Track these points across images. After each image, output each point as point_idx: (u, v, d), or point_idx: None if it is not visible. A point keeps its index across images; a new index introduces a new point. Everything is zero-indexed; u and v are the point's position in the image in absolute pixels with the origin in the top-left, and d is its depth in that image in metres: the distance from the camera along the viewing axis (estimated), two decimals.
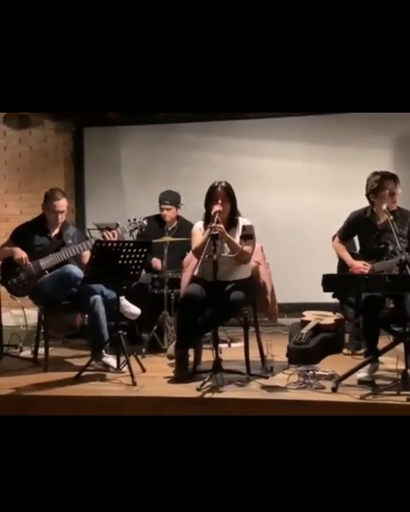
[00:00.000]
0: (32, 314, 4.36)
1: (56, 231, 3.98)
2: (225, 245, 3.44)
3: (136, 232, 3.93)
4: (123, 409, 3.06)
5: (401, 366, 3.08)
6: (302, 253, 5.25)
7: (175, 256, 4.30)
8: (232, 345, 4.43)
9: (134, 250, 3.47)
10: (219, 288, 3.38)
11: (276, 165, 5.56)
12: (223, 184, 3.51)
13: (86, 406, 3.09)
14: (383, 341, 3.35)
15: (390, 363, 3.36)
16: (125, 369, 3.43)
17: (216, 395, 3.08)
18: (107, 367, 3.64)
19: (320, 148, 5.46)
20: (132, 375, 3.32)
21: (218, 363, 3.23)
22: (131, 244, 3.50)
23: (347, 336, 4.21)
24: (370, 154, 5.24)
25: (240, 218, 3.57)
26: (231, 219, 3.55)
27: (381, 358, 3.37)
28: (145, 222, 3.92)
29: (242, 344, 3.63)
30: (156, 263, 4.51)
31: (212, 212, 3.42)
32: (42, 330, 3.91)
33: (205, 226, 3.49)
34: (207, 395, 3.07)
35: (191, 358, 3.54)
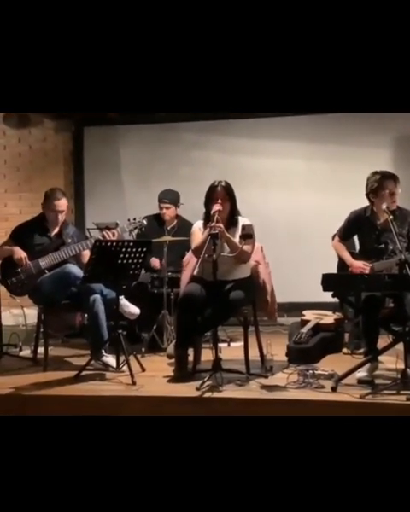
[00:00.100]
0: (31, 313, 4.36)
1: (56, 231, 3.98)
2: (225, 244, 3.43)
3: (135, 232, 3.93)
4: (122, 408, 3.06)
5: (401, 365, 3.08)
6: (302, 253, 5.25)
7: (175, 255, 4.30)
8: (232, 344, 4.43)
9: (134, 249, 3.47)
10: (219, 288, 3.38)
11: (276, 165, 5.56)
12: (223, 184, 3.51)
13: (86, 405, 3.09)
14: (382, 341, 3.35)
15: (390, 362, 3.36)
16: (125, 368, 3.43)
17: (216, 394, 3.07)
18: (106, 366, 3.64)
19: (320, 147, 5.46)
20: (132, 375, 3.32)
21: (217, 362, 3.23)
22: (131, 243, 3.49)
23: (346, 336, 4.21)
24: (370, 154, 5.24)
25: (240, 218, 3.57)
26: (231, 219, 3.55)
27: (380, 358, 3.37)
28: (145, 221, 3.92)
29: (241, 343, 3.63)
30: (155, 262, 4.51)
31: (211, 212, 3.42)
32: (41, 330, 3.90)
33: (205, 225, 3.49)
34: (207, 394, 3.07)
35: (191, 358, 3.54)
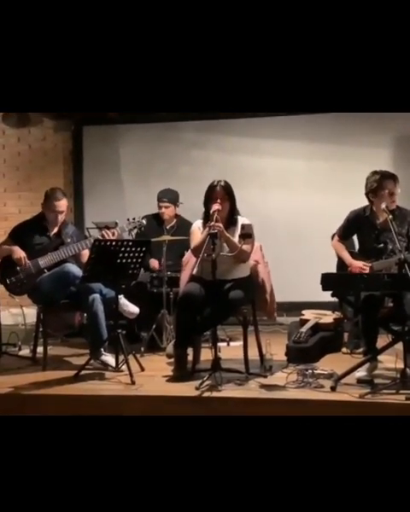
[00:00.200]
0: (30, 313, 4.36)
1: (55, 230, 3.98)
2: (224, 244, 3.43)
3: (135, 231, 3.93)
4: (122, 408, 3.06)
5: (400, 365, 3.08)
6: (302, 252, 5.25)
7: (174, 255, 4.30)
8: (231, 344, 4.43)
9: (133, 249, 3.47)
10: (218, 287, 3.37)
11: (276, 164, 5.55)
12: (222, 183, 3.50)
13: (85, 405, 3.09)
14: (381, 340, 3.35)
15: (389, 361, 3.36)
16: (124, 367, 3.43)
17: (215, 394, 3.07)
18: (105, 366, 3.64)
19: (320, 146, 5.46)
20: (131, 374, 3.32)
21: (217, 361, 3.23)
22: (130, 243, 3.49)
23: (346, 335, 4.21)
24: (370, 154, 5.23)
25: (239, 217, 3.57)
26: (230, 218, 3.54)
27: (380, 357, 3.38)
28: (144, 221, 3.92)
29: (241, 343, 3.63)
30: (154, 263, 4.51)
31: (211, 211, 3.42)
32: (41, 329, 3.90)
33: (204, 225, 3.49)
34: (206, 394, 3.07)
35: (190, 357, 3.54)
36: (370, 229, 3.63)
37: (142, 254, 3.51)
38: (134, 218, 3.90)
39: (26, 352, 4.18)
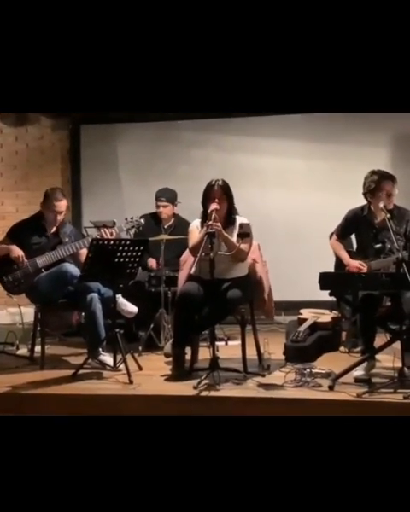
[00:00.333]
0: (28, 312, 4.35)
1: (53, 229, 3.97)
2: (222, 243, 3.43)
3: (133, 231, 3.93)
4: (119, 407, 3.06)
5: (398, 364, 3.08)
6: (300, 251, 5.25)
7: (172, 254, 4.30)
8: (229, 343, 4.43)
9: (131, 248, 3.47)
10: (216, 286, 3.37)
11: (274, 163, 5.55)
12: (219, 183, 3.50)
13: (83, 404, 3.09)
14: (379, 339, 3.35)
15: (387, 361, 3.36)
16: (122, 367, 3.42)
17: (213, 393, 3.08)
18: (103, 365, 3.63)
19: (319, 146, 5.46)
20: (129, 374, 3.32)
21: (215, 361, 3.23)
22: (128, 242, 3.49)
23: (344, 334, 4.21)
24: (368, 153, 5.23)
25: (237, 217, 3.56)
26: (228, 217, 3.54)
27: (378, 356, 3.38)
28: (142, 221, 3.92)
29: (239, 342, 3.63)
30: (151, 263, 4.51)
31: (209, 211, 3.41)
32: (38, 328, 3.90)
33: (202, 224, 3.49)
34: (204, 393, 3.07)
35: (188, 356, 3.54)
36: (368, 228, 3.63)
37: (140, 253, 3.51)
38: (132, 218, 3.89)
39: (23, 351, 4.18)
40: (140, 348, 4.11)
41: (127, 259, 3.48)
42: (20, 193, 5.68)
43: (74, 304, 3.84)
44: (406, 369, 3.05)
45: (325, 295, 3.32)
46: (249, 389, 3.17)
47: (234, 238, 3.43)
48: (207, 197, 3.50)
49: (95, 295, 3.67)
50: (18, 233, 3.93)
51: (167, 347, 3.73)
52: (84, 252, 3.70)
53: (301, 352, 3.74)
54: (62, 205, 3.91)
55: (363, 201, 3.69)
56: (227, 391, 3.12)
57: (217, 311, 3.34)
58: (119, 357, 3.51)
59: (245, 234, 3.37)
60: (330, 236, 3.87)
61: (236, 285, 3.45)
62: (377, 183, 3.54)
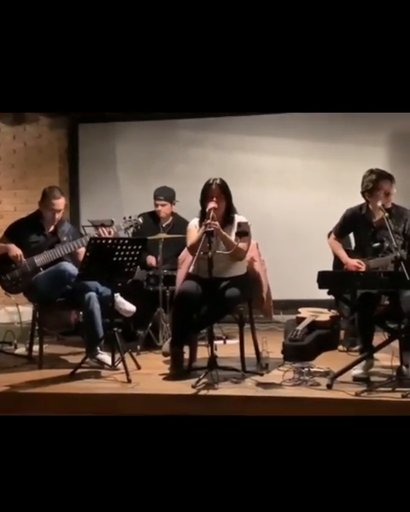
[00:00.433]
0: (26, 311, 4.35)
1: (51, 228, 3.96)
2: (221, 242, 3.43)
3: (131, 230, 3.92)
4: (118, 406, 3.05)
5: (396, 363, 3.08)
6: (298, 250, 5.25)
7: (170, 253, 4.29)
8: (228, 342, 4.43)
9: (129, 247, 3.46)
10: (215, 285, 3.37)
11: (273, 162, 5.55)
12: (217, 182, 3.50)
13: (81, 403, 3.09)
14: (378, 338, 3.36)
15: (385, 359, 3.37)
16: (120, 366, 3.42)
17: (211, 392, 3.07)
18: (102, 364, 3.63)
19: (317, 145, 5.46)
20: (127, 373, 3.31)
21: (213, 360, 3.23)
22: (126, 241, 3.49)
23: (342, 333, 4.22)
24: (366, 152, 5.24)
25: (236, 215, 3.56)
26: (227, 216, 3.54)
27: (376, 355, 3.38)
28: (141, 220, 3.91)
29: (237, 341, 3.63)
30: (151, 260, 4.50)
31: (207, 210, 3.41)
32: (37, 327, 3.89)
33: (200, 223, 3.49)
34: (203, 392, 3.07)
35: (186, 355, 3.53)
36: (366, 227, 3.63)
37: (138, 252, 3.51)
38: (130, 217, 3.89)
39: (22, 350, 4.17)
40: (138, 347, 4.10)
41: (125, 258, 3.48)
42: (18, 192, 5.67)
43: (72, 303, 3.84)
44: (404, 367, 3.06)
45: (323, 294, 3.32)
46: (248, 388, 3.17)
47: (232, 237, 3.43)
48: (206, 196, 3.50)
49: (93, 294, 3.67)
50: (16, 232, 3.92)
51: (166, 346, 3.73)
52: (82, 251, 3.69)
53: (299, 351, 3.74)
54: (60, 203, 3.90)
55: (361, 200, 3.69)
56: (225, 390, 3.12)
57: (215, 309, 3.34)
58: (117, 356, 3.51)
59: (243, 232, 3.37)
60: (329, 235, 3.87)
61: (234, 284, 3.45)
62: (375, 183, 3.54)
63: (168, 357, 3.56)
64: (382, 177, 3.55)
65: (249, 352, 3.61)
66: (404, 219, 3.57)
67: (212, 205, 3.41)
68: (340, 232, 3.78)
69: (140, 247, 3.51)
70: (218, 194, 3.47)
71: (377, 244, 3.51)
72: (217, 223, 3.35)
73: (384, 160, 5.08)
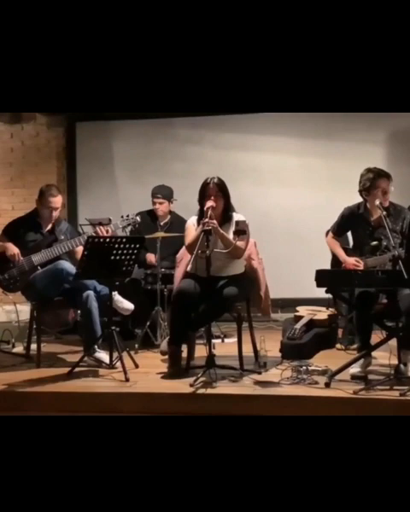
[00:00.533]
0: (24, 310, 4.34)
1: (49, 227, 3.96)
2: (219, 240, 3.43)
3: (129, 228, 3.92)
4: (116, 405, 3.05)
5: (394, 361, 3.09)
6: (296, 249, 5.25)
7: (168, 251, 4.29)
8: (226, 340, 4.43)
9: (127, 245, 3.46)
10: (213, 284, 3.37)
11: (270, 161, 5.55)
12: (215, 180, 3.49)
13: (79, 402, 3.09)
14: (376, 336, 3.36)
15: (383, 358, 3.37)
16: (118, 364, 3.42)
17: (209, 391, 3.07)
18: (99, 363, 3.63)
19: (315, 143, 5.46)
20: (125, 371, 3.31)
21: (211, 358, 3.23)
22: (124, 239, 3.48)
23: (340, 331, 4.22)
24: (364, 150, 5.24)
25: (234, 214, 3.56)
26: (225, 215, 3.54)
27: (374, 353, 3.38)
28: (138, 218, 3.91)
29: (235, 339, 3.63)
30: (151, 257, 4.50)
31: (205, 208, 3.41)
32: (34, 326, 3.89)
33: (198, 222, 3.48)
34: (201, 391, 3.07)
35: (184, 354, 3.53)
36: (364, 225, 3.63)
37: (136, 251, 3.50)
38: (128, 215, 3.88)
39: (19, 349, 4.17)
40: (136, 346, 4.10)
41: (123, 257, 3.48)
42: (15, 190, 5.67)
43: (70, 301, 3.83)
44: (402, 366, 3.06)
45: (321, 293, 3.32)
46: (246, 386, 3.17)
47: (231, 235, 3.43)
48: (203, 195, 3.49)
49: (91, 293, 3.67)
50: (13, 230, 3.91)
51: (164, 345, 3.72)
52: (80, 249, 3.69)
53: (297, 350, 3.74)
54: (57, 201, 3.90)
55: (359, 199, 3.69)
56: (224, 388, 3.12)
57: (213, 308, 3.34)
58: (115, 354, 3.50)
59: (241, 231, 3.36)
60: (327, 234, 3.87)
61: (232, 282, 3.45)
62: (373, 181, 3.54)
63: (166, 356, 3.56)
64: (379, 175, 3.56)
65: (247, 350, 3.61)
66: (402, 218, 3.57)
67: (210, 204, 3.40)
68: (338, 230, 3.78)
69: (138, 245, 3.50)
70: (216, 192, 3.47)
71: (375, 242, 3.52)
72: (215, 221, 3.35)
73: (382, 159, 5.09)
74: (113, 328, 3.45)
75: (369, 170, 3.61)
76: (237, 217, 3.52)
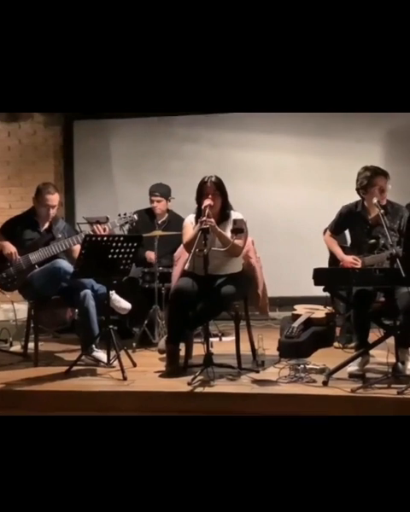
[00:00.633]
0: (21, 308, 4.34)
1: (46, 225, 3.95)
2: (216, 239, 3.42)
3: (126, 227, 3.91)
4: (114, 403, 3.05)
5: (392, 359, 3.10)
6: (294, 247, 5.25)
7: (166, 250, 4.28)
8: (223, 339, 4.43)
9: (124, 244, 3.45)
10: (211, 282, 3.37)
11: (268, 159, 5.54)
12: (213, 179, 3.49)
13: (76, 401, 3.09)
14: (373, 335, 3.36)
15: (381, 356, 3.37)
16: (116, 363, 3.42)
17: (207, 389, 3.08)
18: (97, 361, 3.63)
19: (312, 141, 5.46)
20: (123, 370, 3.31)
21: (209, 357, 3.23)
22: (122, 238, 3.47)
23: (338, 330, 4.22)
24: (362, 148, 5.24)
25: (232, 212, 3.56)
26: (223, 213, 3.53)
27: (372, 352, 3.38)
28: (136, 217, 3.90)
29: (233, 338, 3.63)
30: (150, 255, 4.49)
31: (202, 207, 3.40)
32: (32, 325, 3.88)
33: (196, 220, 3.48)
34: (199, 389, 3.07)
35: (182, 353, 3.53)
36: (362, 224, 3.63)
37: (133, 250, 3.50)
38: (126, 214, 3.88)
39: (17, 347, 4.16)
40: (134, 344, 4.10)
41: (121, 256, 3.47)
42: (12, 189, 5.65)
43: (68, 300, 3.83)
44: (399, 364, 3.07)
45: (319, 291, 3.32)
46: (244, 385, 3.17)
47: (228, 234, 3.43)
48: (201, 193, 3.49)
49: (88, 292, 3.66)
50: (10, 229, 3.90)
51: (161, 344, 3.72)
52: (77, 248, 3.68)
53: (295, 348, 3.74)
54: (54, 199, 3.89)
55: (357, 197, 3.69)
56: (221, 387, 3.12)
57: (211, 307, 3.34)
58: (112, 353, 3.50)
59: (239, 229, 3.36)
60: (324, 232, 3.87)
61: (230, 281, 3.45)
62: (370, 179, 3.54)
63: (164, 355, 3.56)
64: (376, 173, 3.56)
65: (245, 349, 3.60)
66: (399, 216, 3.58)
67: (207, 202, 3.40)
68: (335, 229, 3.78)
69: (135, 244, 3.50)
70: (213, 191, 3.46)
71: (372, 241, 3.52)
72: (213, 220, 3.35)
73: (380, 157, 5.09)
74: (110, 326, 3.45)
75: (366, 168, 3.61)
76: (234, 215, 3.52)
